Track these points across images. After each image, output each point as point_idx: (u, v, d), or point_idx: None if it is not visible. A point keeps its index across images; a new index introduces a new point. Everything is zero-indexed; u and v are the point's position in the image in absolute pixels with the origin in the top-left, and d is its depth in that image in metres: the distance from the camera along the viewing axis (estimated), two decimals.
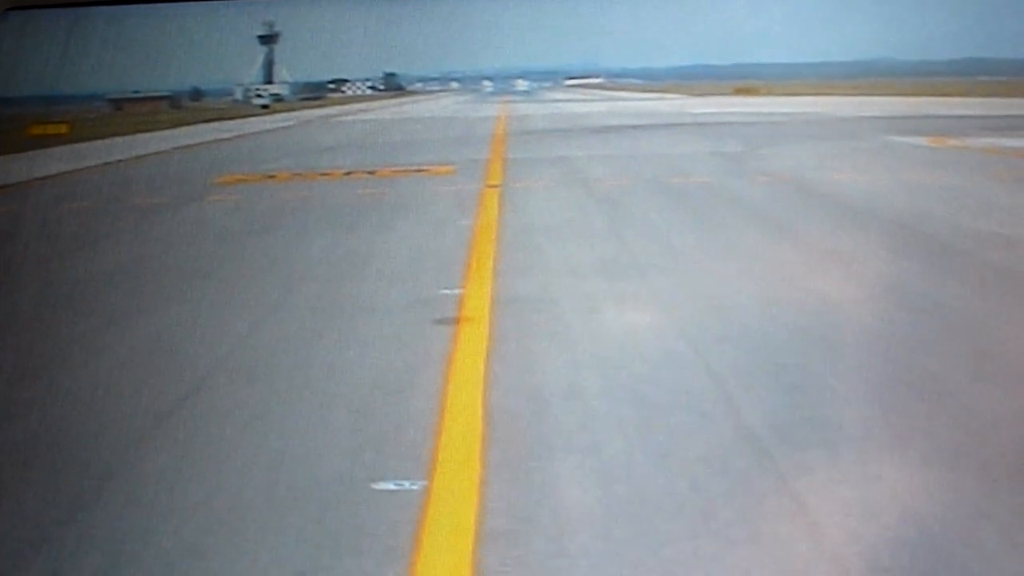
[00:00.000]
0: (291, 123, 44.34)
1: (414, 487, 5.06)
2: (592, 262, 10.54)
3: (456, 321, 8.31)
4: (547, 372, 6.92)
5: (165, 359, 7.57)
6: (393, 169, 21.07)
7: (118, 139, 32.78)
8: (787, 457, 5.33)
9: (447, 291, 9.37)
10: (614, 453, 5.47)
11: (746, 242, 11.46)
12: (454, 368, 7.04)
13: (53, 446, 5.88)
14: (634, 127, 33.91)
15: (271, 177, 20.03)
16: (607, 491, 4.98)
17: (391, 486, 5.09)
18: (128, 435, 5.96)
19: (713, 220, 13.18)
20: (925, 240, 11.18)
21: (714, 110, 44.59)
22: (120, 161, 24.15)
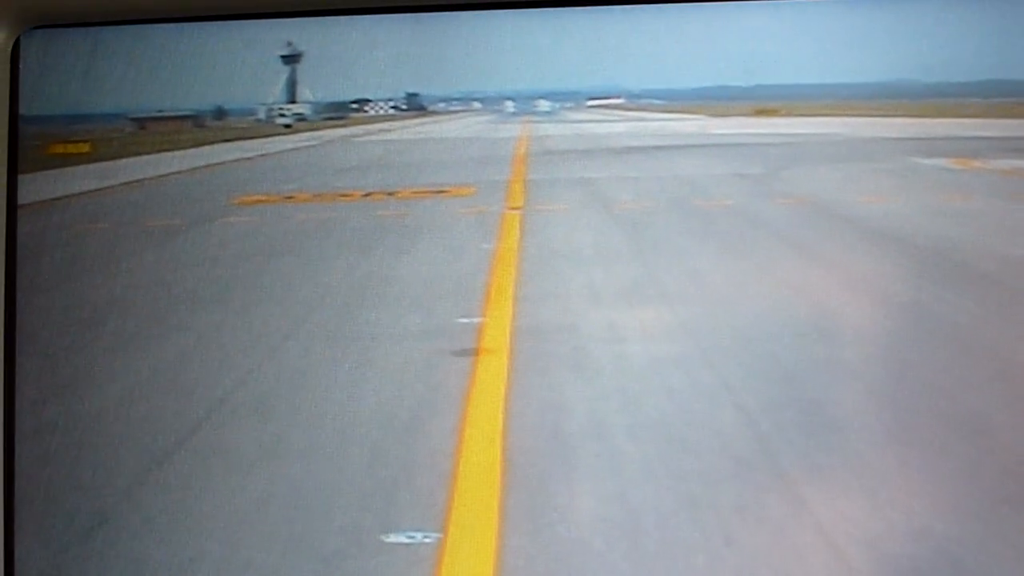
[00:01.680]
0: (313, 143, 44.02)
1: (427, 539, 4.72)
2: (616, 289, 10.19)
3: (475, 352, 7.96)
4: (570, 409, 6.57)
5: (167, 393, 7.23)
6: (413, 190, 20.73)
7: (139, 159, 32.53)
8: (825, 506, 4.97)
9: (466, 320, 9.02)
10: (642, 501, 5.11)
11: (773, 268, 11.10)
12: (471, 404, 6.69)
13: (39, 491, 5.54)
14: (656, 148, 33.55)
15: (289, 198, 19.71)
16: (634, 545, 4.62)
17: (403, 538, 4.75)
18: (122, 479, 5.62)
19: (738, 245, 12.80)
20: (960, 268, 10.80)
21: (735, 131, 44.20)
22: (139, 181, 23.86)
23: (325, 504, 5.17)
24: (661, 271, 11.11)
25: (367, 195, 20.53)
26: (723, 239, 13.22)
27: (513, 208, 17.27)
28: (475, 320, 9.02)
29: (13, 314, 2.84)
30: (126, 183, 23.74)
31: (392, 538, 4.73)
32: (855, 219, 14.63)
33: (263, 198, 19.98)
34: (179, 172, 27.46)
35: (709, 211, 15.83)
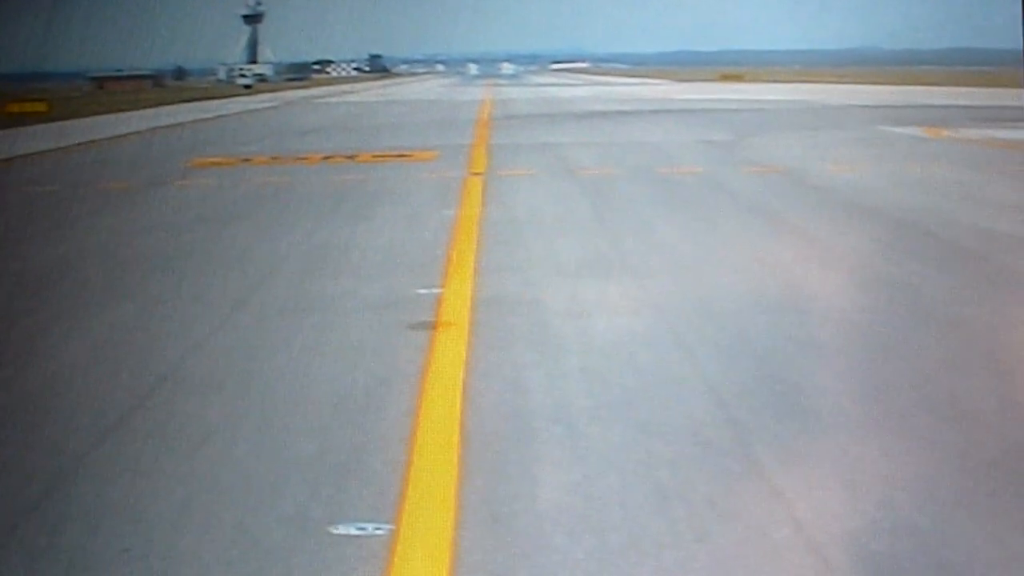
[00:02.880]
0: (274, 104, 43.60)
1: (379, 531, 4.40)
2: (580, 259, 9.90)
3: (433, 326, 7.64)
4: (532, 389, 6.26)
5: (110, 366, 6.88)
6: (374, 153, 20.40)
7: (96, 118, 32.04)
8: (803, 500, 4.69)
9: (424, 290, 8.71)
10: (608, 491, 4.80)
11: (740, 239, 10.83)
12: (429, 382, 6.38)
13: None
14: (620, 113, 33.30)
15: (246, 160, 19.36)
16: (600, 540, 4.31)
17: (352, 530, 4.42)
18: (57, 463, 5.29)
19: (705, 214, 12.53)
20: (935, 241, 10.57)
21: (700, 96, 43.96)
22: (93, 142, 23.49)
23: (271, 490, 4.84)
24: (627, 241, 10.82)
25: (327, 158, 20.14)
26: (690, 208, 12.94)
27: (475, 173, 16.95)
28: (434, 291, 8.71)
29: None
30: (81, 143, 23.28)
31: (341, 529, 4.41)
32: (826, 189, 14.39)
33: (220, 160, 19.56)
34: (136, 132, 27.07)
35: (675, 179, 15.57)
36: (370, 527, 4.43)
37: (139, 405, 6.06)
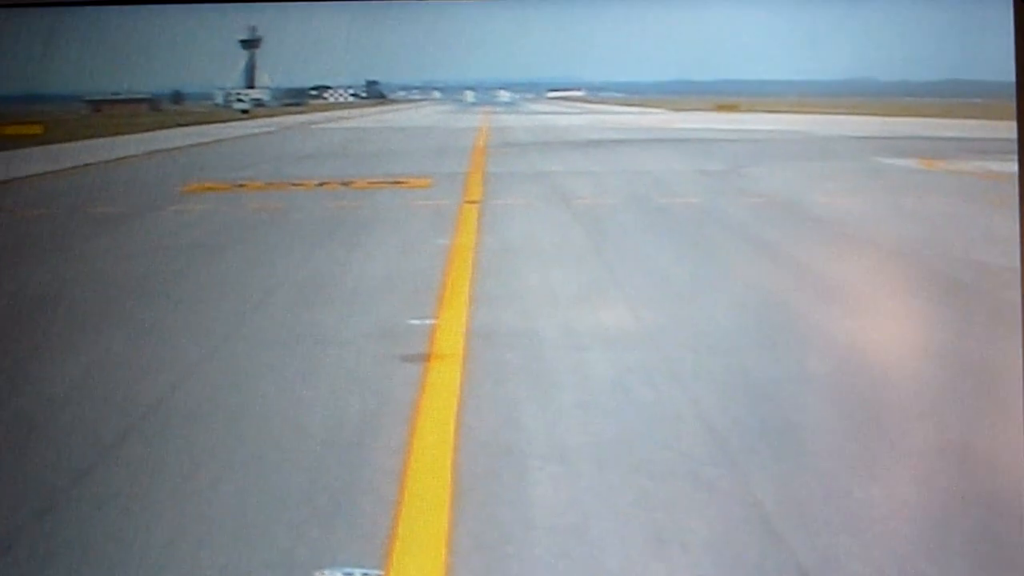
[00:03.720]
0: (271, 129, 43.39)
1: None
2: (576, 291, 9.74)
3: (426, 358, 7.49)
4: (527, 426, 6.11)
5: (91, 400, 6.71)
6: (369, 180, 20.22)
7: (91, 142, 31.84)
8: (807, 546, 4.54)
9: (417, 321, 8.56)
10: (604, 535, 4.66)
11: (740, 272, 10.67)
12: (421, 418, 6.23)
13: None
14: (617, 142, 33.13)
15: (241, 186, 19.17)
16: None
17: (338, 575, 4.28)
18: (33, 499, 5.13)
19: (703, 246, 12.36)
20: (936, 275, 10.41)
21: (696, 126, 43.81)
22: (87, 165, 23.26)
23: (256, 532, 4.70)
24: (623, 272, 10.67)
25: (321, 184, 19.99)
26: (687, 239, 12.78)
27: (470, 202, 16.79)
28: (427, 322, 8.56)
29: None
30: (75, 167, 23.15)
31: (327, 574, 4.27)
32: (823, 220, 14.23)
33: (214, 185, 19.40)
34: (131, 157, 26.81)
35: (672, 209, 15.41)
36: (357, 572, 4.28)
37: (122, 439, 5.91)
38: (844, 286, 10.01)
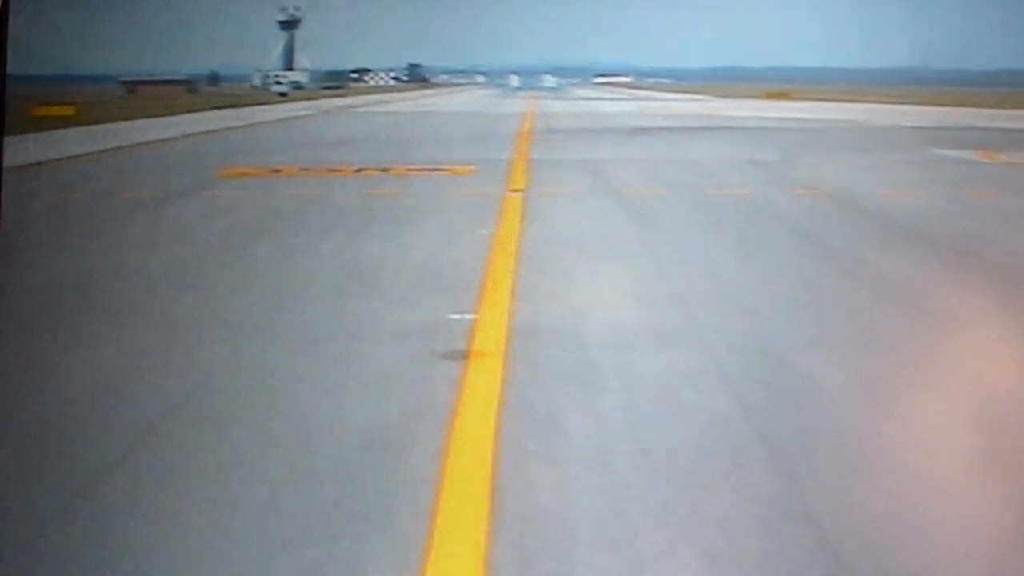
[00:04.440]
0: (309, 112, 43.21)
1: None
2: (623, 286, 9.37)
3: (465, 356, 7.14)
4: (569, 431, 5.74)
5: (116, 397, 6.38)
6: (408, 167, 19.92)
7: (125, 124, 31.68)
8: (869, 565, 4.17)
9: (457, 316, 8.20)
10: (652, 551, 4.30)
11: (795, 268, 10.27)
12: (459, 421, 5.87)
13: None
14: (665, 129, 32.75)
15: (276, 171, 18.90)
16: None
17: None
18: (52, 501, 4.80)
19: (756, 241, 11.96)
20: (1006, 276, 9.98)
21: (746, 114, 43.35)
22: (120, 148, 23.08)
23: (285, 544, 4.36)
24: (672, 268, 10.29)
25: (359, 170, 19.62)
26: (739, 233, 12.38)
27: (514, 190, 16.42)
28: (468, 317, 8.20)
29: None
30: (107, 150, 22.89)
31: None
32: (882, 215, 13.77)
33: (249, 170, 19.07)
34: (164, 139, 26.64)
35: (723, 200, 15.02)
36: None
37: (144, 440, 5.58)
38: (896, 284, 9.59)
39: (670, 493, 4.90)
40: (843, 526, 4.54)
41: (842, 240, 11.89)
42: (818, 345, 7.47)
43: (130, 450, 5.42)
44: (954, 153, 24.09)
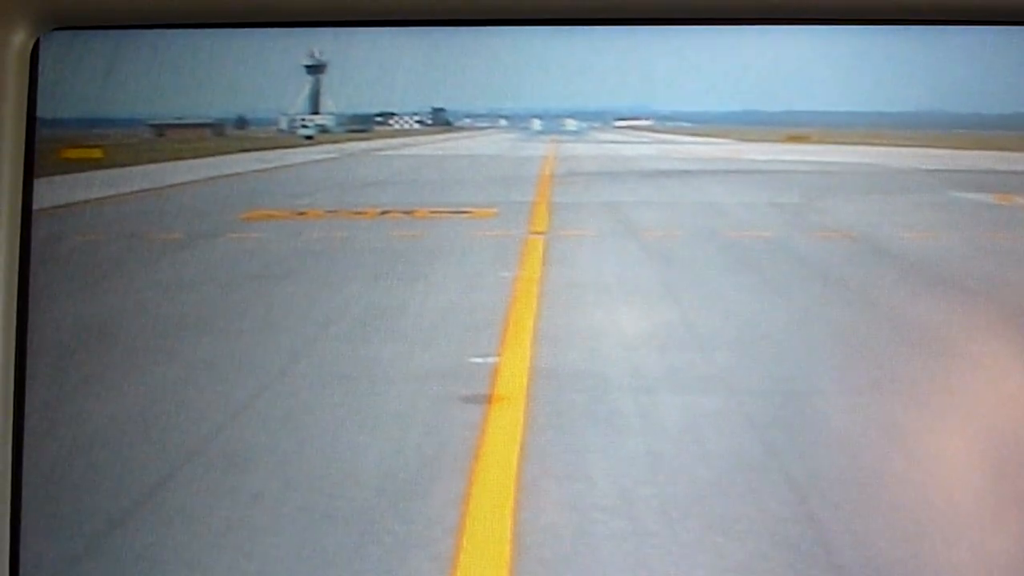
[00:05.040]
0: (335, 155, 43.34)
1: None
2: (646, 330, 9.34)
3: (487, 400, 7.11)
4: (593, 475, 5.71)
5: (135, 441, 6.37)
6: (431, 209, 19.91)
7: (152, 167, 31.79)
8: None
9: (479, 359, 8.18)
10: None
11: (818, 312, 10.22)
12: (481, 465, 5.84)
13: None
14: (686, 172, 32.70)
15: (301, 214, 18.91)
16: None
17: None
18: (67, 547, 4.79)
19: (779, 283, 11.91)
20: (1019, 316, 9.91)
21: (766, 157, 43.33)
22: (146, 191, 23.14)
23: None
24: (695, 312, 10.24)
25: (383, 213, 19.65)
26: (762, 277, 12.32)
27: (536, 233, 16.41)
28: (490, 360, 8.18)
29: (25, 323, 2.73)
30: (133, 192, 22.99)
31: None
32: (902, 257, 13.73)
33: (273, 213, 19.12)
34: (190, 182, 26.68)
35: (744, 244, 14.96)
36: None
37: (163, 484, 5.56)
38: (925, 328, 9.54)
39: (695, 541, 4.86)
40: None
41: (865, 283, 11.83)
42: (842, 387, 7.42)
43: (148, 496, 5.41)
44: (972, 196, 23.99)
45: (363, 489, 5.48)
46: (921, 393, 7.40)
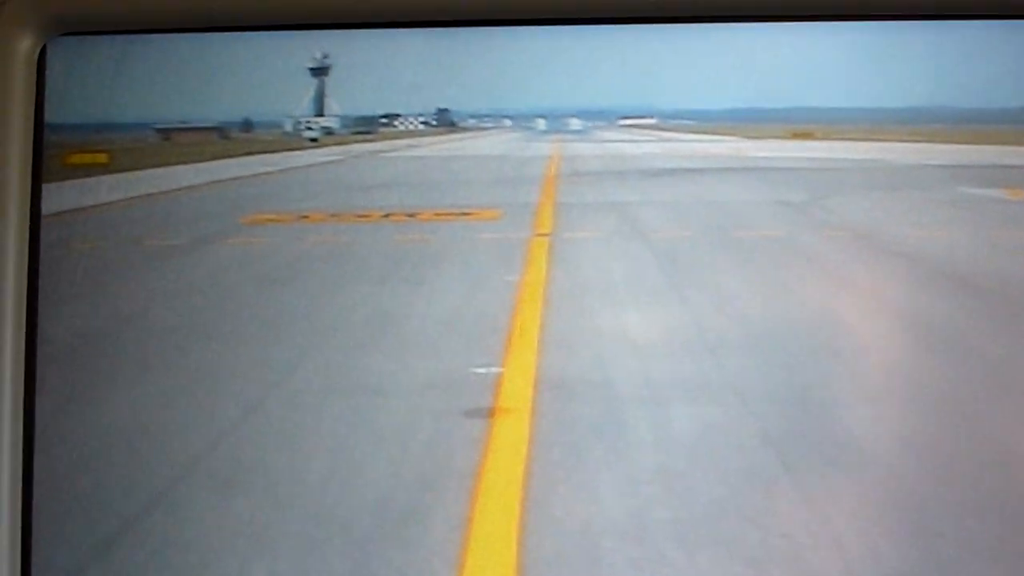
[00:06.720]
0: (339, 157, 43.12)
1: None
2: (654, 335, 9.07)
3: (490, 413, 6.85)
4: (601, 496, 5.45)
5: (128, 457, 6.12)
6: (435, 211, 19.68)
7: (157, 171, 31.61)
8: None
9: (482, 369, 7.92)
10: None
11: (830, 313, 9.96)
12: (484, 484, 5.58)
13: None
14: (691, 170, 32.47)
15: (304, 217, 18.69)
16: None
17: None
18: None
19: (789, 284, 11.65)
20: None
21: (771, 154, 43.10)
22: (150, 195, 22.96)
23: None
24: (704, 314, 9.97)
25: (387, 216, 19.38)
26: (771, 278, 12.06)
27: (541, 234, 16.16)
28: (493, 370, 7.91)
29: (34, 328, 2.74)
30: (137, 197, 22.77)
31: None
32: (913, 255, 13.46)
33: (275, 217, 18.88)
34: (195, 186, 26.48)
35: (752, 243, 14.70)
36: None
37: (153, 505, 5.31)
38: (939, 327, 9.28)
39: (709, 564, 4.61)
40: None
41: (875, 281, 11.58)
42: (857, 394, 7.17)
43: (136, 519, 5.16)
44: (983, 192, 23.75)
45: (360, 512, 5.23)
46: (930, 398, 7.15)
